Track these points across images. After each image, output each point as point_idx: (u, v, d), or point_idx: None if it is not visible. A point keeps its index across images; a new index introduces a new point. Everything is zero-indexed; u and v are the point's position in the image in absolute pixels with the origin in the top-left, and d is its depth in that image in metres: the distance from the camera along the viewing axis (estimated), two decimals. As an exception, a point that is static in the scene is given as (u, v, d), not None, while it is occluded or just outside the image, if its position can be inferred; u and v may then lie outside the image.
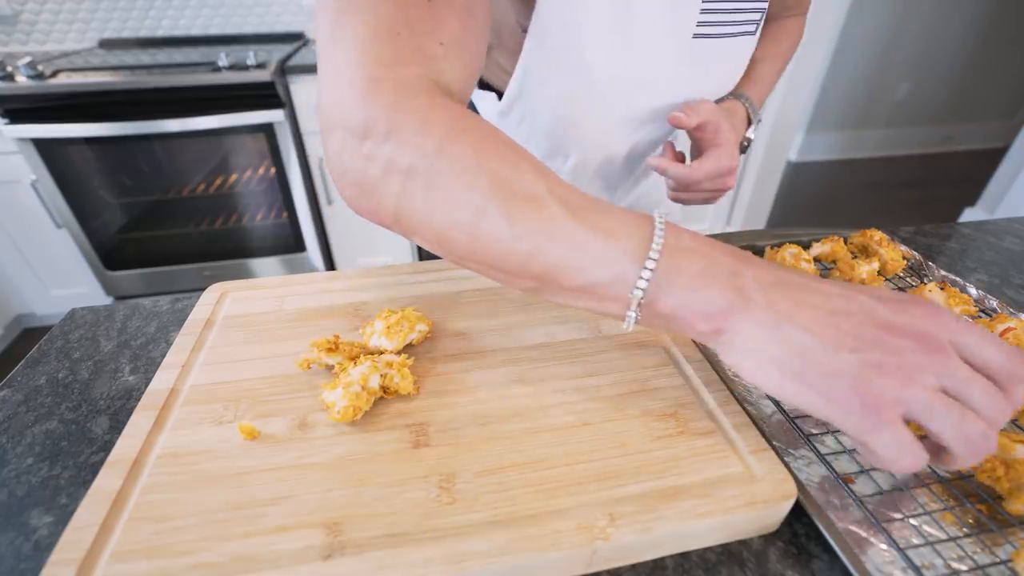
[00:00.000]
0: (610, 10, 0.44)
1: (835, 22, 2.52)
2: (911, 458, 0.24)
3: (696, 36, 0.47)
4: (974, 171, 2.67)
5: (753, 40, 0.51)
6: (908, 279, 0.53)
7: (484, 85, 0.57)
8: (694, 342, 0.42)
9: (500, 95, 0.54)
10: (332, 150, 0.31)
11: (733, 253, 0.28)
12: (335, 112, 0.31)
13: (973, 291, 0.48)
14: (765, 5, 0.48)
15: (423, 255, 0.81)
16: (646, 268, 0.27)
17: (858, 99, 2.98)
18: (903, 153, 3.20)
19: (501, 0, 0.48)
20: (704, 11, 0.45)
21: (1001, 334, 0.41)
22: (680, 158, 0.54)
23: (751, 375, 0.27)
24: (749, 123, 0.56)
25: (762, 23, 0.50)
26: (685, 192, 0.52)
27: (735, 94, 0.56)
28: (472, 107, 0.59)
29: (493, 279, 0.31)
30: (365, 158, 0.29)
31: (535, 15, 0.46)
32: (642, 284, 0.27)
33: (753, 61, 0.57)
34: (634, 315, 0.28)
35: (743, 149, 0.57)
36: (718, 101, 0.55)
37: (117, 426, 0.38)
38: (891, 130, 3.13)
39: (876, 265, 0.51)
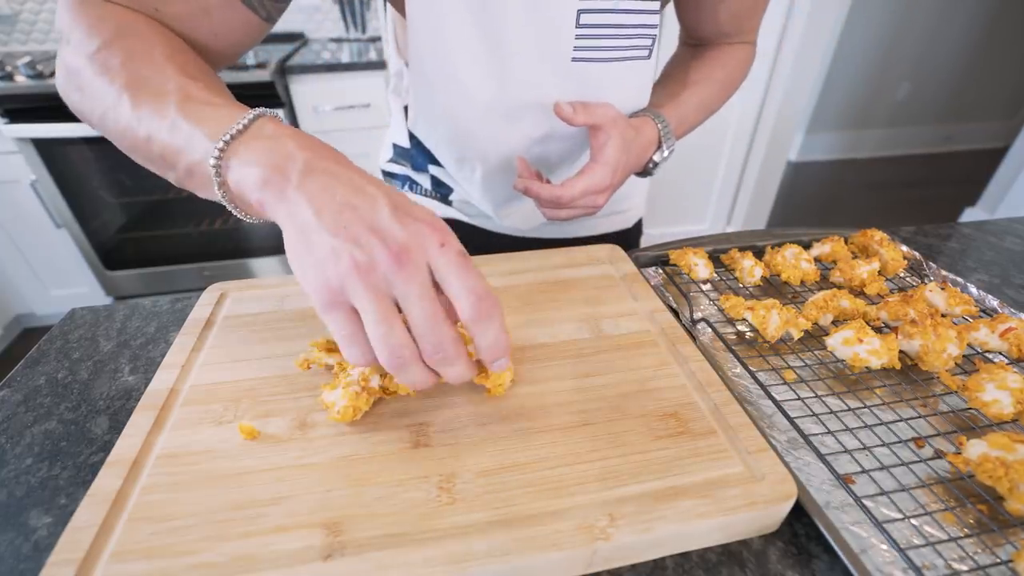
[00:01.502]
0: (478, 36, 0.44)
1: (835, 22, 2.52)
2: (349, 349, 0.27)
3: (576, 60, 0.46)
4: (974, 171, 2.67)
5: (648, 64, 0.49)
6: (909, 279, 0.53)
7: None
8: (693, 341, 0.42)
9: None
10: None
11: (304, 142, 0.29)
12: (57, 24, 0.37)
13: (974, 291, 0.48)
14: (653, 32, 0.47)
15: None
16: (215, 147, 0.29)
17: (858, 99, 2.98)
18: (903, 153, 3.20)
19: (403, 22, 0.49)
20: (580, 35, 0.45)
21: (1002, 334, 0.41)
22: (539, 176, 0.51)
23: (285, 244, 0.28)
24: (660, 145, 0.52)
25: (655, 48, 0.49)
26: (558, 210, 0.49)
27: (652, 113, 0.52)
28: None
29: (154, 171, 0.35)
30: (58, 61, 0.36)
31: (409, 45, 0.46)
32: (211, 160, 0.29)
33: (684, 83, 0.56)
34: (219, 193, 0.31)
35: (647, 172, 0.54)
36: (633, 115, 0.53)
37: (117, 426, 0.38)
38: (891, 130, 3.13)
39: (876, 265, 0.51)
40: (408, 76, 0.51)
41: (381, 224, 0.26)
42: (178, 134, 0.31)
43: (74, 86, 0.35)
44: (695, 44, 0.61)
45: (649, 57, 0.49)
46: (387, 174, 0.69)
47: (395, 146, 0.65)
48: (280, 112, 1.49)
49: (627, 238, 0.71)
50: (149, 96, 0.32)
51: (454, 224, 0.66)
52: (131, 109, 0.32)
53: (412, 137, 0.60)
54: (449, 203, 0.65)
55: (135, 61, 0.33)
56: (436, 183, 0.64)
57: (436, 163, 0.61)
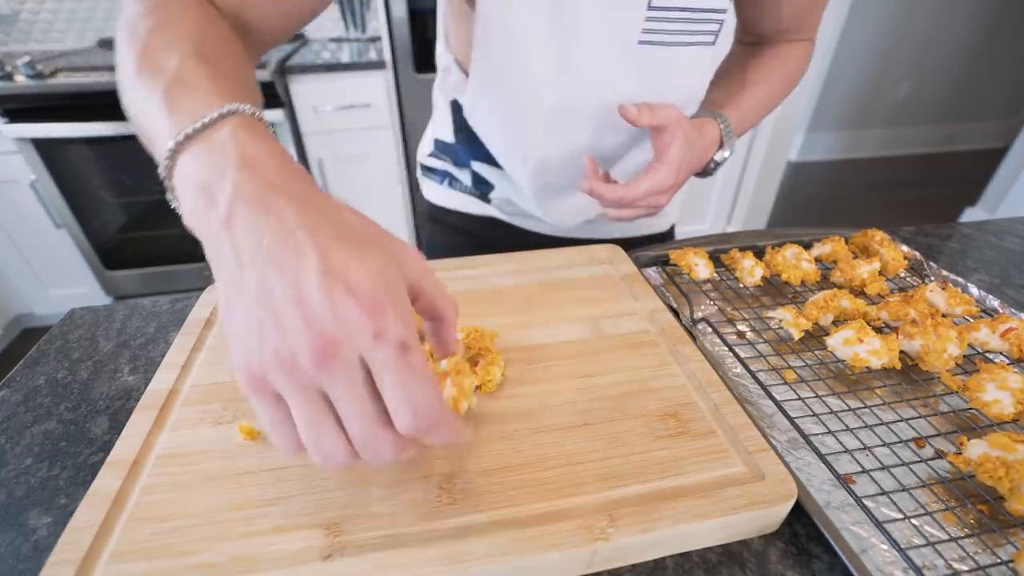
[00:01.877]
0: (547, 18, 0.44)
1: (835, 22, 2.52)
2: (276, 437, 0.23)
3: (642, 43, 0.46)
4: (975, 171, 2.67)
5: (711, 51, 0.49)
6: (909, 279, 0.53)
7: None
8: (693, 341, 0.42)
9: None
10: None
11: (247, 158, 0.24)
12: None
13: (974, 291, 0.48)
14: (722, 17, 0.47)
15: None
16: (167, 147, 0.25)
17: (858, 99, 2.98)
18: (903, 153, 3.20)
19: (458, 26, 0.49)
20: (650, 18, 0.45)
21: (1003, 334, 0.41)
22: (606, 177, 0.52)
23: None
24: (721, 145, 0.53)
25: (720, 34, 0.49)
26: (621, 210, 0.49)
27: (713, 113, 0.52)
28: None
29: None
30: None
31: (477, 30, 0.46)
32: (162, 163, 0.25)
33: (743, 83, 0.55)
34: (172, 196, 0.26)
35: (709, 171, 0.54)
36: (695, 115, 0.53)
37: (116, 426, 0.38)
38: (891, 130, 3.13)
39: (877, 265, 0.51)
40: (456, 70, 0.50)
41: (306, 295, 0.20)
42: (152, 120, 0.27)
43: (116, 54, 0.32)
44: (752, 42, 0.60)
45: (714, 43, 0.49)
46: (426, 168, 0.69)
47: (437, 141, 0.65)
48: (280, 112, 1.49)
49: (662, 241, 0.70)
50: (149, 71, 0.29)
51: (492, 222, 0.66)
52: (132, 81, 0.29)
53: (459, 132, 0.60)
54: (488, 200, 0.65)
55: (159, 30, 0.30)
56: (477, 180, 0.63)
57: (480, 159, 0.60)
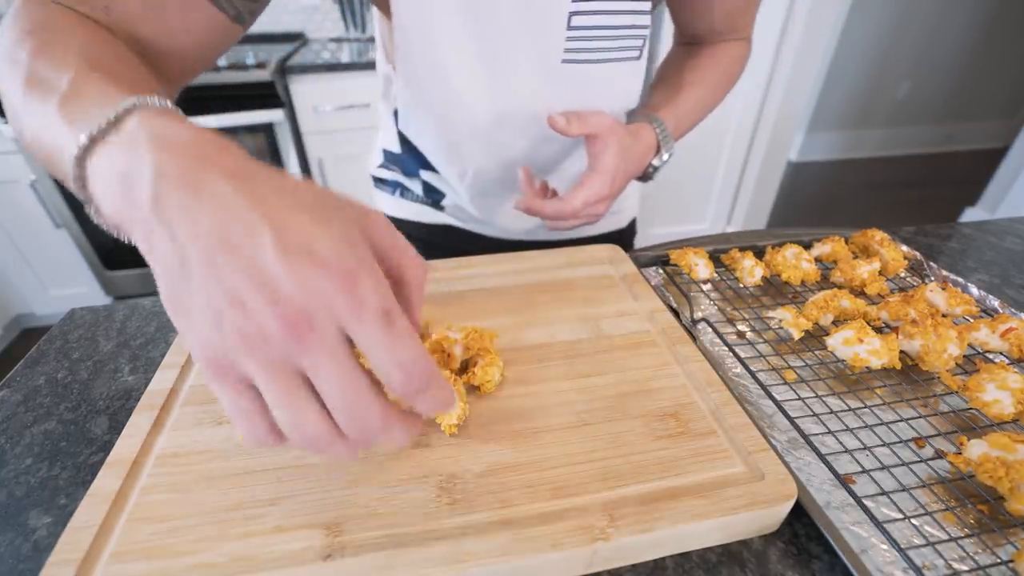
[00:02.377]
0: (467, 37, 0.44)
1: (835, 22, 2.52)
2: (245, 429, 0.21)
3: (565, 61, 0.46)
4: (975, 171, 2.67)
5: (638, 65, 0.49)
6: (909, 279, 0.53)
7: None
8: (693, 341, 0.42)
9: None
10: None
11: (165, 141, 0.21)
12: None
13: (974, 291, 0.48)
14: (644, 32, 0.47)
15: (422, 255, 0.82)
16: (72, 154, 0.23)
17: (858, 99, 2.98)
18: (903, 153, 3.20)
19: (387, 23, 0.48)
20: (571, 37, 0.45)
21: (1003, 334, 0.41)
22: (544, 189, 0.51)
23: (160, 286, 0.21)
24: (658, 149, 0.52)
25: (645, 48, 0.48)
26: (560, 222, 0.49)
27: (649, 117, 0.52)
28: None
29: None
30: None
31: (397, 46, 0.46)
32: (71, 171, 0.23)
33: (680, 85, 0.55)
34: (92, 208, 0.24)
35: (648, 176, 0.54)
36: (630, 121, 0.52)
37: (116, 426, 0.38)
38: (891, 130, 3.13)
39: (877, 265, 0.51)
40: (396, 79, 0.51)
41: (267, 274, 0.18)
42: (51, 137, 0.25)
43: None
44: (689, 43, 0.60)
45: (639, 58, 0.49)
46: (378, 180, 0.69)
47: (385, 151, 0.65)
48: (280, 112, 1.49)
49: (621, 238, 0.70)
50: (38, 92, 0.26)
51: (446, 230, 0.66)
52: (22, 107, 0.27)
53: (403, 142, 0.60)
54: (441, 208, 0.65)
55: (42, 52, 0.28)
56: (428, 188, 0.63)
57: (428, 168, 0.60)
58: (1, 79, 0.29)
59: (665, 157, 0.53)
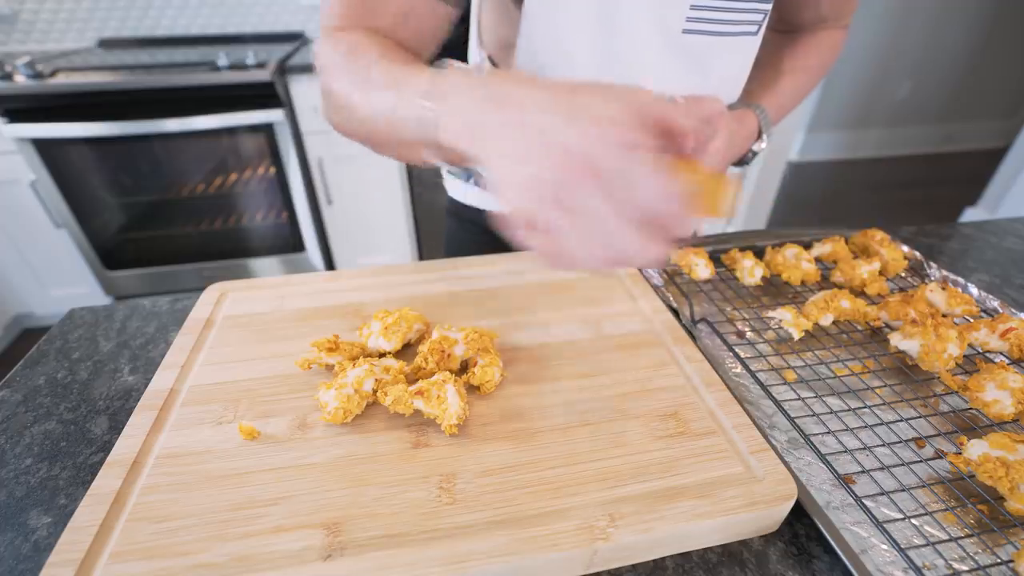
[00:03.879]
0: (594, 9, 0.44)
1: (835, 22, 2.51)
2: (553, 263, 0.27)
3: (686, 31, 0.46)
4: (975, 171, 2.67)
5: (754, 41, 0.50)
6: (909, 279, 0.53)
7: None
8: (693, 341, 0.42)
9: None
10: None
11: (484, 80, 0.30)
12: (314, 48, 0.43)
13: (974, 291, 0.48)
14: (767, 7, 0.48)
15: (423, 255, 0.82)
16: (426, 108, 0.31)
17: (859, 98, 2.98)
18: (904, 153, 3.20)
19: (493, 24, 0.49)
20: (695, 6, 0.45)
21: (1003, 334, 0.41)
22: None
23: (491, 185, 0.29)
24: (760, 135, 0.54)
25: (764, 24, 0.49)
26: None
27: (751, 104, 0.53)
28: None
29: (399, 158, 0.41)
30: (319, 86, 0.42)
31: (523, 25, 0.46)
32: (427, 121, 0.31)
33: (778, 72, 0.56)
34: (433, 152, 0.34)
35: (746, 161, 0.55)
36: (732, 107, 0.54)
37: (116, 426, 0.38)
38: (892, 130, 3.13)
39: (877, 265, 0.51)
40: (489, 69, 0.50)
41: (558, 139, 0.26)
42: (398, 109, 0.34)
43: (329, 105, 0.41)
44: (785, 31, 0.61)
45: (756, 33, 0.49)
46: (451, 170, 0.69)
47: None
48: (280, 112, 1.48)
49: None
50: (371, 88, 0.36)
51: None
52: (367, 103, 0.36)
53: None
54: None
55: (365, 68, 0.38)
56: None
57: None
58: (341, 82, 0.39)
59: (764, 144, 0.54)
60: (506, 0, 0.49)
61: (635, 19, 0.45)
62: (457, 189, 0.69)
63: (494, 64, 0.56)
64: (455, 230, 0.72)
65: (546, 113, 0.27)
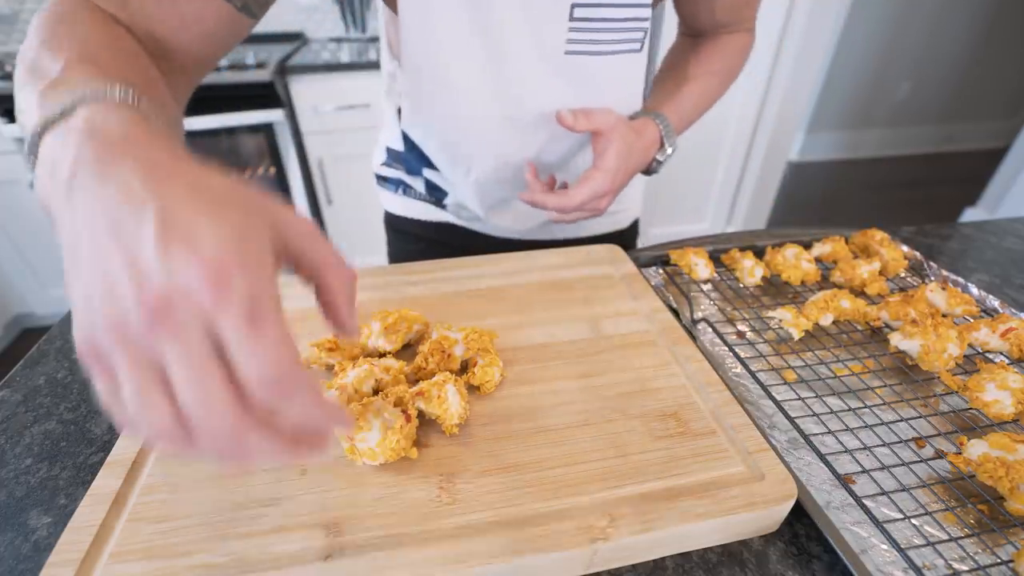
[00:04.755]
0: (471, 32, 0.45)
1: (835, 21, 2.51)
2: (112, 412, 0.20)
3: (569, 52, 0.47)
4: (975, 171, 2.67)
5: (640, 57, 0.50)
6: (909, 279, 0.53)
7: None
8: (693, 341, 0.42)
9: None
10: None
11: (93, 131, 0.22)
12: None
13: (974, 291, 0.48)
14: (645, 24, 0.47)
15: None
16: (28, 142, 0.24)
17: (859, 99, 2.98)
18: (904, 153, 3.20)
19: (395, 21, 0.48)
20: (573, 28, 0.45)
21: (1003, 334, 0.41)
22: (551, 183, 0.52)
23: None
24: (662, 144, 0.53)
25: (646, 41, 0.49)
26: (563, 215, 0.50)
27: (653, 113, 0.53)
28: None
29: None
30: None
31: (402, 43, 0.46)
32: (28, 157, 0.25)
33: (683, 79, 0.56)
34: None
35: (652, 170, 0.55)
36: (634, 116, 0.53)
37: (116, 426, 0.38)
38: (892, 130, 3.13)
39: (877, 265, 0.51)
40: (400, 75, 0.51)
41: (141, 260, 0.18)
42: (25, 118, 0.26)
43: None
44: (693, 35, 0.61)
45: (640, 50, 0.49)
46: (380, 178, 0.69)
47: (388, 149, 0.65)
48: (280, 112, 1.48)
49: (623, 239, 0.71)
50: (32, 80, 0.27)
51: (448, 228, 0.66)
52: (18, 92, 0.28)
53: (406, 140, 0.60)
54: (443, 207, 0.65)
55: (48, 43, 0.30)
56: (430, 187, 0.63)
57: (430, 166, 0.61)
58: (16, 67, 0.30)
59: (669, 152, 0.54)
60: (390, 13, 0.48)
61: (516, 42, 0.46)
62: (390, 201, 0.69)
63: None
64: (395, 242, 0.72)
65: (147, 211, 0.19)
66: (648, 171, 0.55)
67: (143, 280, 0.18)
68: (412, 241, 0.69)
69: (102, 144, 0.21)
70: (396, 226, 0.70)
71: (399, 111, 0.58)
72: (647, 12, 0.47)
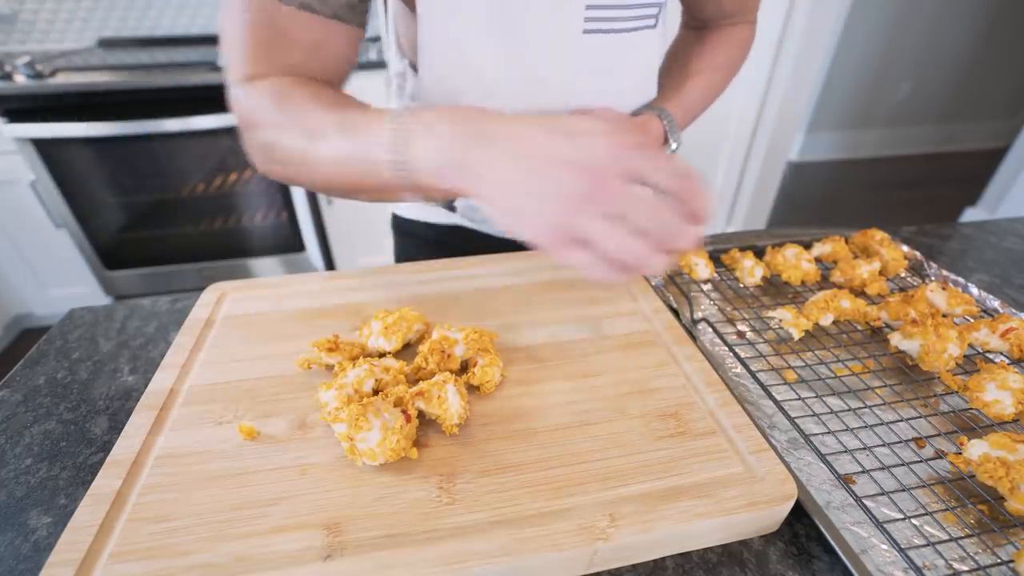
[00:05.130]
0: (489, 19, 0.45)
1: (835, 22, 2.51)
2: (596, 271, 0.30)
3: (587, 32, 0.47)
4: (975, 171, 2.67)
5: (655, 33, 0.50)
6: (909, 279, 0.53)
7: None
8: (693, 341, 0.42)
9: None
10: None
11: (457, 114, 0.32)
12: (233, 107, 0.41)
13: (975, 291, 0.48)
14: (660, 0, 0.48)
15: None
16: (394, 156, 0.32)
17: (859, 99, 2.98)
18: (903, 153, 3.19)
19: (406, 30, 0.50)
20: (591, 6, 0.45)
21: (1003, 334, 0.41)
22: None
23: (488, 212, 0.31)
24: (666, 140, 0.53)
25: (661, 15, 0.49)
26: None
27: (657, 109, 0.53)
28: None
29: (369, 201, 0.40)
30: (248, 143, 0.41)
31: (420, 35, 0.47)
32: (393, 167, 0.33)
33: (687, 74, 0.56)
34: (407, 191, 0.34)
35: None
36: (637, 112, 0.54)
37: (116, 426, 0.38)
38: (891, 130, 3.13)
39: (877, 265, 0.51)
40: (412, 75, 0.51)
41: (565, 158, 0.28)
42: (359, 163, 0.34)
43: (269, 159, 0.40)
44: (696, 27, 0.61)
45: (655, 26, 0.49)
46: None
47: None
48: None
49: None
50: (319, 142, 0.36)
51: (457, 230, 0.66)
52: (312, 152, 0.36)
53: None
54: (453, 209, 0.65)
55: (300, 111, 0.37)
56: None
57: None
58: (283, 138, 0.38)
59: (673, 147, 0.54)
60: (406, 9, 0.49)
61: (534, 26, 0.46)
62: (399, 205, 0.69)
63: (415, 70, 0.56)
64: (403, 246, 0.72)
65: (546, 138, 0.29)
66: None
67: (575, 168, 0.28)
68: (420, 244, 0.69)
69: (465, 117, 0.31)
70: (403, 229, 0.70)
71: None
72: None
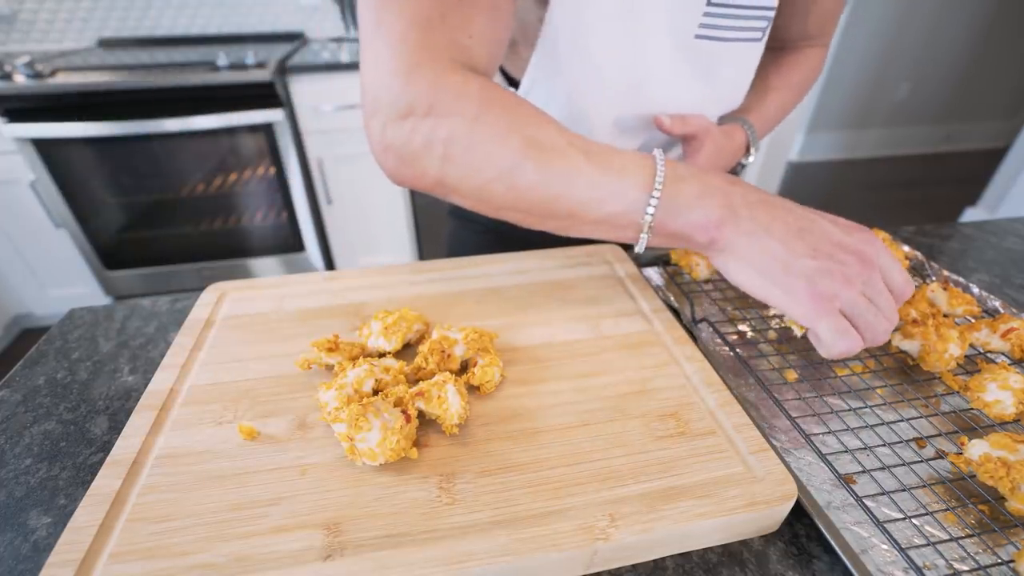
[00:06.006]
0: (616, 6, 0.44)
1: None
2: (845, 342, 0.33)
3: (698, 36, 0.47)
4: (975, 171, 2.67)
5: (759, 47, 0.51)
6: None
7: (509, 80, 0.57)
8: (693, 341, 0.42)
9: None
10: (375, 129, 0.37)
11: (724, 177, 0.35)
12: (380, 96, 0.36)
13: (975, 291, 0.48)
14: (771, 14, 0.48)
15: (423, 255, 0.82)
16: (653, 196, 0.34)
17: (858, 99, 2.98)
18: (903, 153, 3.20)
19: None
20: (708, 12, 0.45)
21: (1004, 334, 0.41)
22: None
23: (734, 274, 0.35)
24: (748, 149, 0.56)
25: (767, 31, 0.50)
26: None
27: (741, 120, 0.55)
28: None
29: (526, 224, 0.38)
30: (408, 133, 0.35)
31: (548, 12, 0.46)
32: (650, 210, 0.34)
33: (766, 89, 0.58)
34: (646, 236, 0.35)
35: (735, 172, 0.57)
36: (723, 120, 0.55)
37: (116, 426, 0.38)
38: (891, 130, 3.13)
39: (877, 265, 0.51)
40: (536, 54, 0.50)
41: (839, 241, 0.33)
42: (599, 189, 0.35)
43: (439, 155, 0.35)
44: (773, 47, 0.62)
45: (760, 39, 0.50)
46: None
47: None
48: (280, 112, 1.48)
49: None
50: (549, 155, 0.34)
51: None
52: (535, 170, 0.34)
53: None
54: None
55: (520, 123, 0.35)
56: None
57: None
58: (478, 149, 0.35)
59: (752, 157, 0.57)
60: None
61: (655, 18, 0.46)
62: None
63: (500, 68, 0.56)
64: (457, 229, 0.72)
65: (816, 216, 0.34)
66: (731, 173, 0.57)
67: (850, 251, 0.33)
68: (476, 231, 0.69)
69: (731, 182, 0.35)
70: (461, 214, 0.70)
71: None
72: (775, 1, 0.48)
